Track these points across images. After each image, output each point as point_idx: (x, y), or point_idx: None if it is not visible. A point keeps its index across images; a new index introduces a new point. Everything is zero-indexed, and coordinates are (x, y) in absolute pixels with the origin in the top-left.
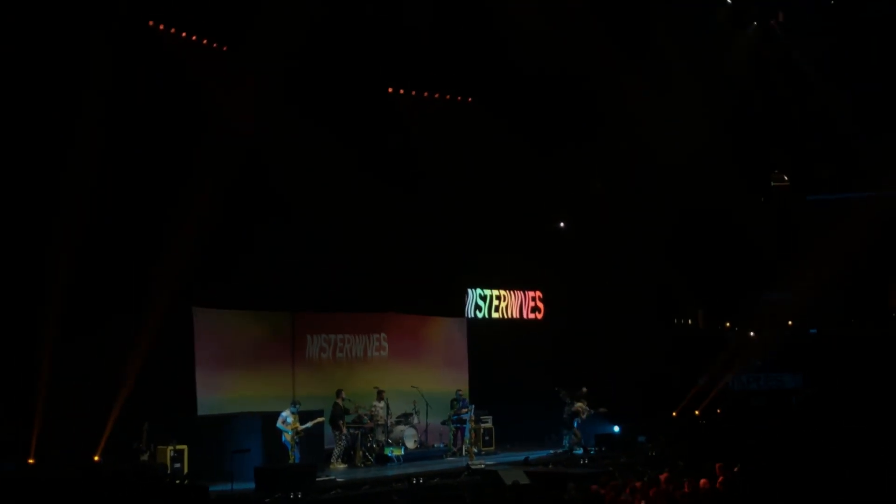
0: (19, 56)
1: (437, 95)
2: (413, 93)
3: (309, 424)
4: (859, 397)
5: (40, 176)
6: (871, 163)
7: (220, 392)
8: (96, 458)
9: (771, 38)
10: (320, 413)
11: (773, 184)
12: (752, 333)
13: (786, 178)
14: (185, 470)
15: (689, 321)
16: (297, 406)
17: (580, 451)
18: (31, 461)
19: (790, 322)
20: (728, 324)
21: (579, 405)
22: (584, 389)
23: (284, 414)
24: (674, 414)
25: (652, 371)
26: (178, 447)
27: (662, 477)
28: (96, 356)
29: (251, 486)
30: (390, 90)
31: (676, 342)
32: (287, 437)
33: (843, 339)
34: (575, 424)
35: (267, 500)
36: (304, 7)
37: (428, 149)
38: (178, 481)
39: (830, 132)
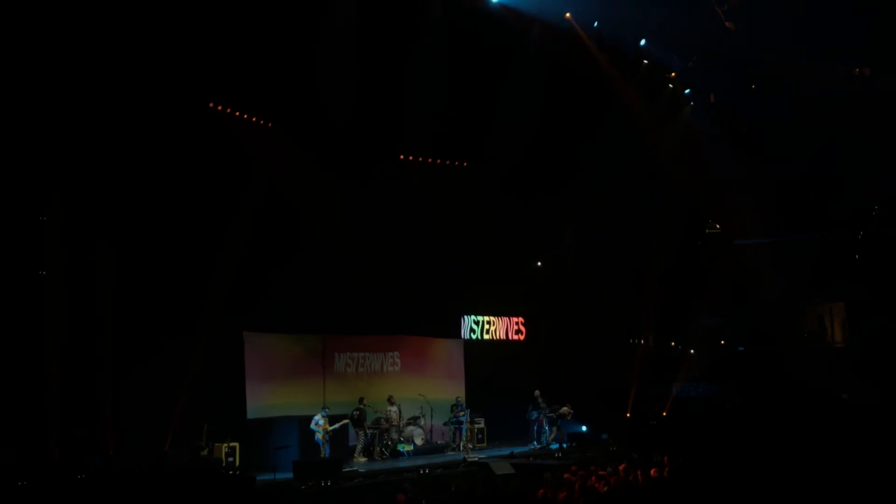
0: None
1: (438, 161)
2: (420, 159)
3: (336, 426)
4: (777, 402)
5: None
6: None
7: (265, 400)
8: (166, 450)
9: (703, 116)
10: (346, 417)
11: (707, 231)
12: (692, 351)
13: (718, 226)
14: (237, 463)
15: (643, 341)
16: (327, 411)
17: (556, 445)
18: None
19: (722, 342)
20: (673, 343)
21: (564, 409)
22: (566, 408)
23: (317, 417)
24: (627, 415)
25: (613, 381)
26: (231, 444)
27: (621, 467)
28: (168, 371)
29: (290, 475)
30: (401, 157)
31: (632, 358)
32: (319, 436)
33: (765, 355)
34: (558, 424)
35: (303, 487)
36: (331, 90)
37: (431, 205)
38: (231, 472)
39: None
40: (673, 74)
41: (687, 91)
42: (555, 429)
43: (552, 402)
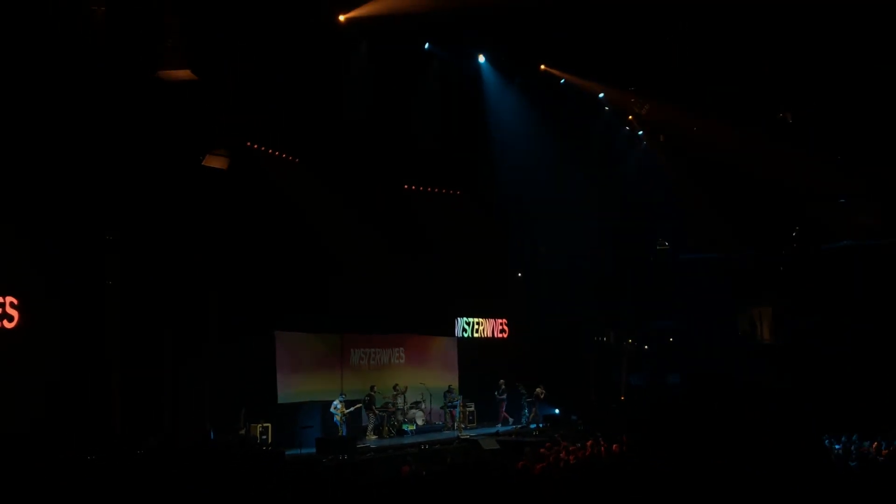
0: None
1: (437, 190)
2: (421, 188)
3: (351, 409)
4: (718, 390)
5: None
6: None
7: (292, 388)
8: (209, 430)
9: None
10: (360, 402)
11: (658, 248)
12: (645, 347)
13: (667, 243)
14: (270, 440)
15: (605, 339)
16: (344, 396)
17: (534, 426)
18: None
19: (671, 339)
20: (630, 340)
21: (538, 390)
22: (539, 389)
23: (335, 402)
24: (592, 399)
25: (580, 371)
26: (265, 425)
27: (588, 443)
28: (214, 363)
29: (313, 451)
30: (405, 186)
31: (596, 353)
32: (337, 417)
33: (705, 351)
34: (534, 405)
35: (324, 460)
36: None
37: (430, 226)
38: (264, 448)
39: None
40: (630, 118)
41: (640, 133)
42: (533, 410)
43: (532, 387)
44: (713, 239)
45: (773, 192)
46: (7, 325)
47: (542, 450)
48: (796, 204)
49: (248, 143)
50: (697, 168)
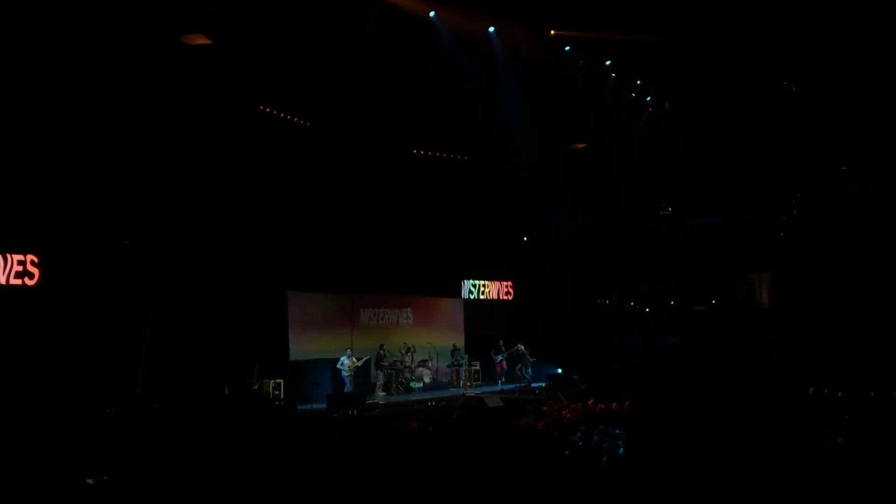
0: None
1: (444, 154)
2: (429, 153)
3: (360, 363)
4: (717, 352)
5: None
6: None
7: (304, 346)
8: (224, 389)
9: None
10: (367, 359)
11: (661, 213)
12: (647, 310)
13: (670, 209)
14: (282, 396)
15: (607, 301)
16: (350, 351)
17: (535, 385)
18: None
19: (672, 302)
20: (632, 303)
21: (520, 347)
22: (521, 346)
23: (342, 358)
24: (594, 359)
25: (583, 332)
26: (277, 381)
27: (590, 402)
28: (229, 322)
29: (324, 406)
30: (414, 151)
31: (599, 315)
32: (345, 373)
33: (706, 314)
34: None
35: (334, 415)
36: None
37: (437, 190)
38: (277, 403)
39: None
40: (638, 83)
41: (648, 98)
42: (519, 367)
43: (535, 352)
44: (716, 204)
45: (775, 158)
46: (28, 282)
47: (544, 408)
48: (798, 170)
49: (261, 108)
50: (702, 134)
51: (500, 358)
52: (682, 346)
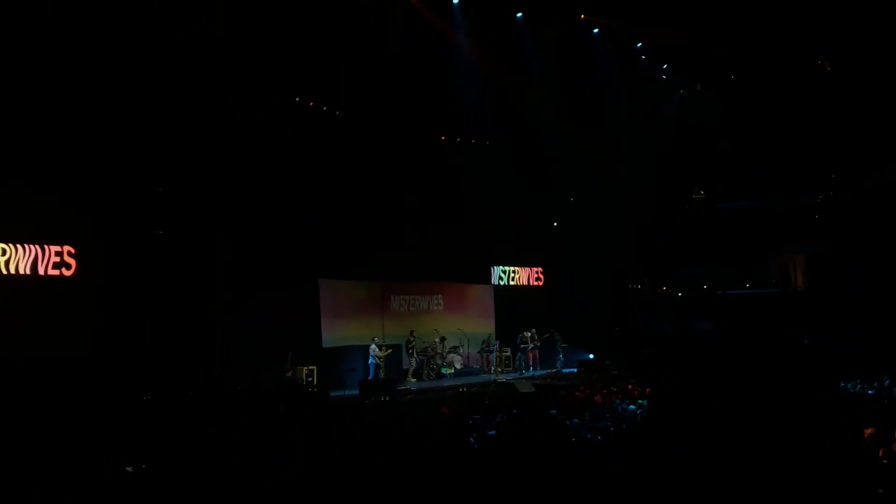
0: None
1: (473, 140)
2: (457, 139)
3: (389, 351)
4: (748, 334)
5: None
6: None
7: (336, 332)
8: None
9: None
10: (399, 346)
11: (693, 196)
12: (679, 294)
13: (702, 192)
14: (315, 382)
15: (639, 286)
16: (377, 340)
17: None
18: (217, 373)
19: (704, 287)
20: (664, 287)
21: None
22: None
23: (372, 346)
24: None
25: (615, 318)
26: (310, 367)
27: (630, 386)
28: (262, 310)
29: (356, 392)
30: (443, 137)
31: (630, 299)
32: (376, 360)
33: (738, 298)
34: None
35: (366, 401)
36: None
37: (467, 178)
38: (310, 389)
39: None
40: (666, 66)
41: (678, 80)
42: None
43: (565, 336)
44: (749, 187)
45: (810, 139)
46: (66, 272)
47: (576, 393)
48: (833, 150)
49: (293, 97)
50: (735, 115)
51: (530, 346)
52: (714, 331)
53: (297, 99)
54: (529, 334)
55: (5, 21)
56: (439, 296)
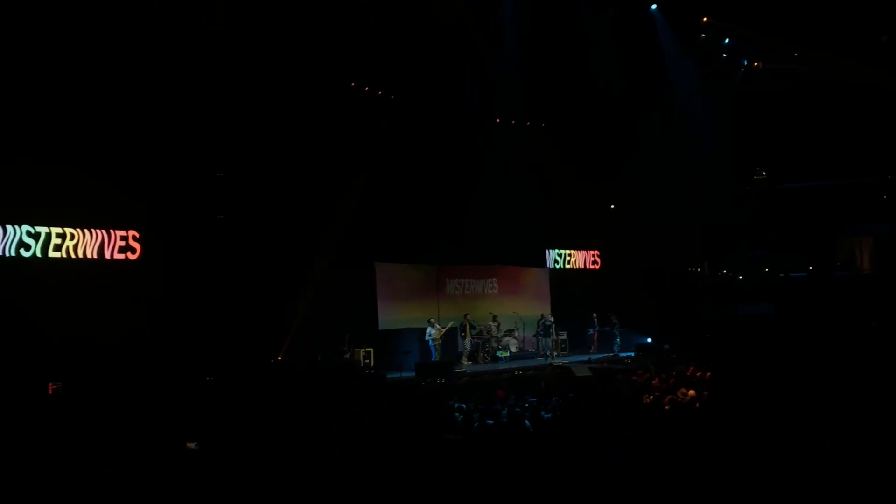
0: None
1: (528, 122)
2: (512, 121)
3: (445, 329)
4: (811, 318)
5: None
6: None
7: (392, 315)
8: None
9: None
10: (453, 328)
11: (755, 178)
12: (740, 277)
13: (764, 173)
14: (372, 364)
15: (698, 269)
16: (433, 322)
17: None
18: (279, 359)
19: (766, 269)
20: (724, 271)
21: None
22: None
23: (428, 328)
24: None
25: (674, 302)
26: (367, 350)
27: (689, 370)
28: (322, 293)
29: (412, 374)
30: (497, 120)
31: (690, 283)
32: (433, 343)
33: (801, 281)
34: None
35: (422, 383)
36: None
37: (524, 161)
38: (367, 371)
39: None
40: (727, 41)
41: (738, 60)
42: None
43: (622, 319)
44: (813, 167)
45: (877, 116)
46: (131, 256)
47: (633, 377)
48: None
49: (349, 83)
50: (797, 95)
51: (591, 331)
52: (777, 315)
53: (353, 84)
54: (595, 316)
55: (70, 19)
56: (494, 279)
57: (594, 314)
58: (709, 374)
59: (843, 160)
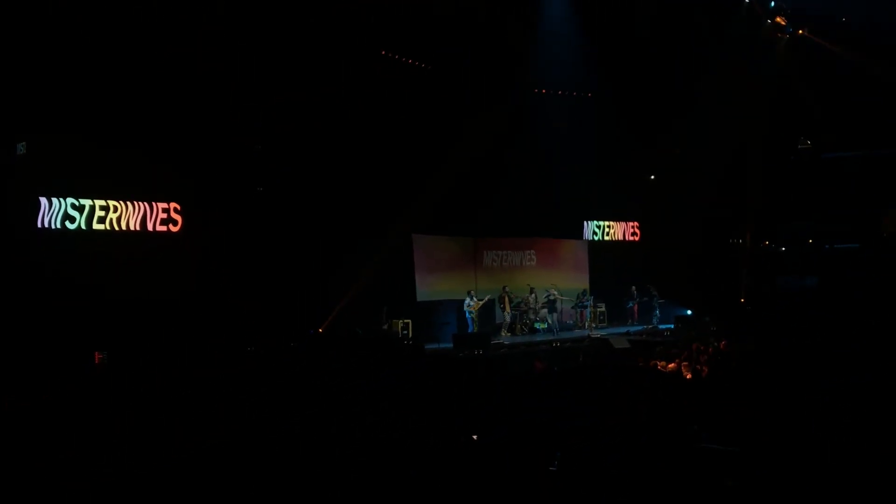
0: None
1: (567, 92)
2: (551, 91)
3: (484, 300)
4: (854, 291)
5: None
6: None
7: (430, 287)
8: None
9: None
10: (491, 300)
11: (799, 147)
12: (783, 249)
13: (809, 142)
14: (410, 335)
15: (740, 240)
16: (471, 293)
17: (663, 326)
18: (320, 330)
19: (810, 241)
20: (766, 242)
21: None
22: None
23: (466, 300)
24: (726, 300)
25: (715, 273)
26: (405, 321)
27: (722, 344)
28: (361, 265)
29: (450, 346)
30: (535, 90)
31: (731, 254)
32: (471, 314)
33: (846, 253)
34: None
35: (460, 354)
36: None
37: (561, 130)
38: (406, 342)
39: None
40: (773, 3)
41: (782, 26)
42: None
43: (662, 291)
44: (857, 135)
45: None
46: (172, 228)
47: (673, 350)
48: None
49: (383, 52)
50: (839, 62)
51: (630, 304)
52: (820, 287)
53: (390, 54)
54: (634, 289)
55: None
56: (532, 251)
57: (633, 287)
58: (723, 343)
59: (887, 129)
